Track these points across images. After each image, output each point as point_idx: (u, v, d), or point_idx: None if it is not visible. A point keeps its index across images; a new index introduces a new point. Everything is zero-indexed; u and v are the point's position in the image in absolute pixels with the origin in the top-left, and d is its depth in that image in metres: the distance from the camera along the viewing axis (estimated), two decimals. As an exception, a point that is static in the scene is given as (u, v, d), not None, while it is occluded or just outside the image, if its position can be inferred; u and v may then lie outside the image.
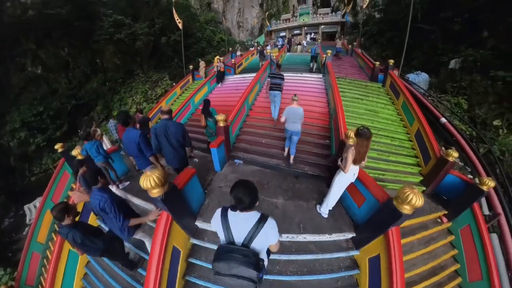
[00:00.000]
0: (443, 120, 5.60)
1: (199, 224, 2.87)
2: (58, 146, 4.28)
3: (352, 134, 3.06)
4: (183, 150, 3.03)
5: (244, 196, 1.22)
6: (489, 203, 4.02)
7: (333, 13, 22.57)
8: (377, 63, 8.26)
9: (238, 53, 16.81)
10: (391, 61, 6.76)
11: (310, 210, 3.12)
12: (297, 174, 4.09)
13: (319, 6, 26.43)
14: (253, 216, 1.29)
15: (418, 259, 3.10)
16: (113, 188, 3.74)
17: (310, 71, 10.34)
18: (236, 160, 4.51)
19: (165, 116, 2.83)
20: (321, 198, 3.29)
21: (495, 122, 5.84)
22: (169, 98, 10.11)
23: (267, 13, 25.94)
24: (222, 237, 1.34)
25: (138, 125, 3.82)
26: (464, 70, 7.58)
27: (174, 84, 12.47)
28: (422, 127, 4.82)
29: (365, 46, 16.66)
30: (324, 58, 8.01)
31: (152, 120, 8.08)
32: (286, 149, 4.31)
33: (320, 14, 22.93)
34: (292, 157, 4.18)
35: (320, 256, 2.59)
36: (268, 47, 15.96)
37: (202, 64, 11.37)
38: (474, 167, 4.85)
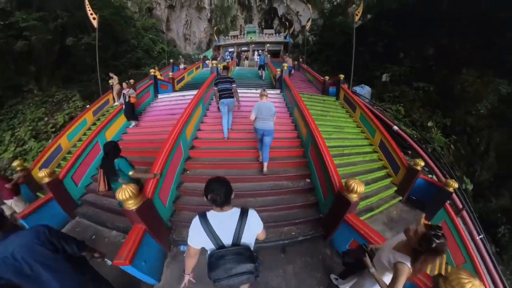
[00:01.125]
0: (395, 128, 6.21)
1: None
2: None
3: (357, 188, 2.23)
4: (75, 265, 1.48)
5: (217, 189, 1.23)
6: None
7: (277, 34, 25.18)
8: (327, 77, 8.92)
9: (182, 66, 15.25)
10: (342, 76, 7.26)
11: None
12: (283, 245, 2.79)
13: (263, 27, 28.98)
14: (234, 213, 1.30)
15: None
16: None
17: (260, 78, 10.90)
18: (181, 247, 2.75)
19: (14, 238, 1.32)
20: (327, 274, 2.39)
21: (429, 124, 6.98)
22: (74, 130, 6.25)
23: (215, 28, 26.13)
24: (209, 245, 1.28)
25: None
26: (393, 82, 9.17)
27: (88, 106, 8.16)
28: (385, 139, 5.02)
29: (307, 63, 18.76)
30: (278, 73, 7.80)
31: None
32: (261, 154, 3.68)
33: (266, 34, 25.11)
34: (265, 164, 3.56)
35: None
36: (208, 61, 15.22)
37: (114, 79, 7.83)
38: (429, 166, 5.47)
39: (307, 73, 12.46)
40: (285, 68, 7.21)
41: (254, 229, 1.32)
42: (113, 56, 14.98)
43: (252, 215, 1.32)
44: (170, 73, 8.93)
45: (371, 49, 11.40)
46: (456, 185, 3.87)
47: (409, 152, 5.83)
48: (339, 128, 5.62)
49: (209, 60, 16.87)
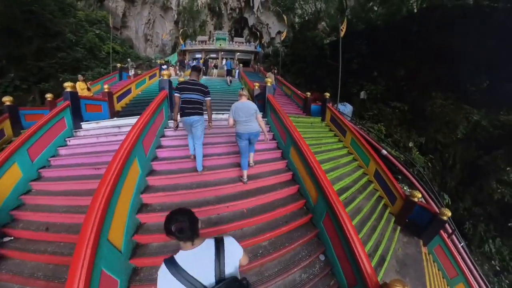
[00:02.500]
0: (384, 152, 6.31)
1: None
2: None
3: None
4: None
5: (181, 217, 1.13)
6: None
7: (247, 43, 25.36)
8: (308, 93, 8.81)
9: (132, 72, 12.71)
10: (327, 94, 7.13)
11: None
12: None
13: (233, 36, 28.97)
14: (207, 245, 1.18)
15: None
16: None
17: (226, 83, 10.84)
18: None
19: None
20: None
21: (410, 144, 7.42)
22: None
23: (181, 31, 24.57)
24: None
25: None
26: (370, 100, 9.75)
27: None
28: (381, 169, 4.97)
29: (281, 74, 19.17)
30: (257, 89, 7.07)
31: None
32: (245, 172, 3.30)
33: (236, 42, 25.03)
34: (252, 156, 3.54)
35: None
36: (165, 67, 12.19)
37: None
38: (418, 189, 5.65)
39: (284, 86, 12.28)
40: (269, 84, 6.43)
41: (235, 256, 1.23)
42: (38, 54, 11.81)
43: (229, 241, 1.25)
44: (106, 86, 6.56)
45: (346, 65, 12.18)
46: (449, 213, 4.24)
47: (399, 177, 5.97)
48: (335, 161, 5.19)
49: (173, 66, 15.03)
